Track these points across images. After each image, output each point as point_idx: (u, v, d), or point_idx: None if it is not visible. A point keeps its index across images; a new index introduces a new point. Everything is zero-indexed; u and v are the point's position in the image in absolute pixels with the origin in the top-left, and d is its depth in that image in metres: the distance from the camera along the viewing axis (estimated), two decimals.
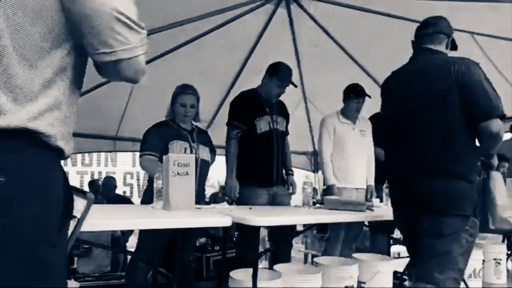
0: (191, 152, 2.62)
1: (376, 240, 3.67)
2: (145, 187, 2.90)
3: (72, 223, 1.11)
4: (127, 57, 0.95)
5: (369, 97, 3.34)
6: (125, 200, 6.07)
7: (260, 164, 2.93)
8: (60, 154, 0.95)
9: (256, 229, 2.45)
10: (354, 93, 3.31)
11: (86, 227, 1.52)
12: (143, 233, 2.52)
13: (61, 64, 0.91)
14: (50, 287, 0.89)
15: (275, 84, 2.96)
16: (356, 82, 3.44)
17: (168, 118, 2.79)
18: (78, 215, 1.12)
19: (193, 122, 2.82)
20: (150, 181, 2.67)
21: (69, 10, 0.88)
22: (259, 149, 2.91)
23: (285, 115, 3.15)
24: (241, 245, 2.84)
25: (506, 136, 5.01)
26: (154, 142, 2.61)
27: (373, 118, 3.55)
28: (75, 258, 3.97)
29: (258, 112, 2.96)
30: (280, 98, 3.14)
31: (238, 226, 2.30)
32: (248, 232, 2.53)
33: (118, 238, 4.29)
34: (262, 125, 2.93)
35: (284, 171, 3.09)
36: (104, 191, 5.48)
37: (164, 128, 2.70)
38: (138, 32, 0.98)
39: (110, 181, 5.91)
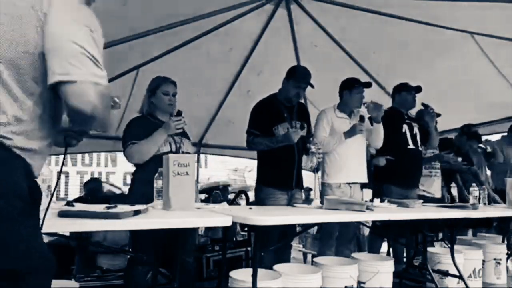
0: (175, 145, 2.54)
1: (374, 242, 3.67)
2: None
3: None
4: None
5: (370, 85, 3.32)
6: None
7: (280, 169, 2.95)
8: None
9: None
10: (357, 83, 3.25)
11: (86, 227, 1.53)
12: (138, 233, 2.48)
13: None
14: None
15: (292, 85, 2.96)
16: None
17: (144, 113, 2.65)
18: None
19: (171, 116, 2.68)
20: (136, 174, 2.59)
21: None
22: (279, 155, 2.91)
23: (306, 118, 3.13)
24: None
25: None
26: (139, 132, 2.49)
27: None
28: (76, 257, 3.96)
29: (276, 119, 2.97)
30: None
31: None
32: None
33: None
34: (281, 133, 2.93)
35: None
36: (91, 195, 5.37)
37: (145, 122, 2.58)
38: None
39: (95, 185, 5.85)
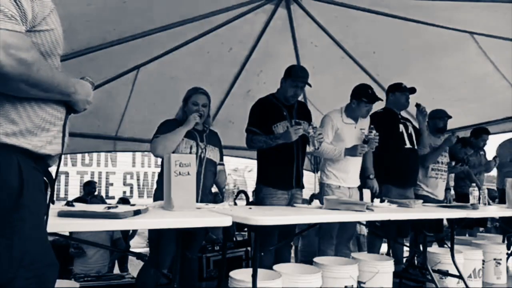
0: (197, 151, 2.61)
1: (373, 243, 3.66)
2: (145, 187, 2.87)
3: None
4: None
5: (382, 100, 3.33)
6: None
7: (280, 168, 2.95)
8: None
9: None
10: (367, 98, 3.20)
11: (86, 227, 1.53)
12: (153, 237, 2.51)
13: None
14: None
15: (289, 84, 2.96)
16: (365, 83, 3.38)
17: (178, 119, 2.76)
18: None
19: (206, 125, 2.81)
20: (159, 176, 2.64)
21: None
22: (279, 154, 2.91)
23: (306, 117, 3.11)
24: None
25: (506, 136, 5.01)
26: (167, 131, 2.60)
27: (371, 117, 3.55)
28: (75, 259, 3.96)
29: (275, 117, 2.97)
30: None
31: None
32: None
33: (118, 240, 4.26)
34: (280, 131, 2.92)
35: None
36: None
37: (175, 124, 2.67)
38: None
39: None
